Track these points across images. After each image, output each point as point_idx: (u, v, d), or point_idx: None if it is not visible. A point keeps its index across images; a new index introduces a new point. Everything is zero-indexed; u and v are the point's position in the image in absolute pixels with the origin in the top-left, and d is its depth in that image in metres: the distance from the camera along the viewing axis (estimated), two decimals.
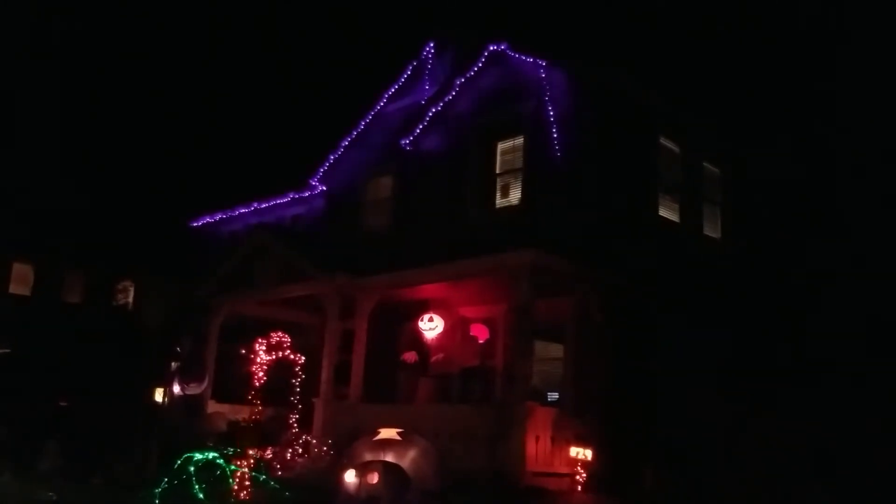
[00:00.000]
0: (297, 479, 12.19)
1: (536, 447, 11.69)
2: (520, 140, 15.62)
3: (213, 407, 16.45)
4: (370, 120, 18.82)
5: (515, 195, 15.54)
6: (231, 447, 11.29)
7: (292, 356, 12.65)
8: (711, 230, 16.14)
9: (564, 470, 11.94)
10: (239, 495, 10.32)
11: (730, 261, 16.03)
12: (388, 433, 10.44)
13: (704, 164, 16.19)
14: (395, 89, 18.46)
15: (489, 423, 11.73)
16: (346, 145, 19.18)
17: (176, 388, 14.61)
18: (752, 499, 11.03)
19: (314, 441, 13.56)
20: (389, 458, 9.98)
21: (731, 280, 15.69)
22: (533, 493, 11.02)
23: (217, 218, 23.45)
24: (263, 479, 10.73)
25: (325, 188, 19.71)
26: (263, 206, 21.74)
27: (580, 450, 11.91)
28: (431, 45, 17.95)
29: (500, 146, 16.12)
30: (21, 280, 31.58)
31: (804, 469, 10.94)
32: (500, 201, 15.88)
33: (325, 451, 13.35)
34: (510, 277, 12.61)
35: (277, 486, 10.66)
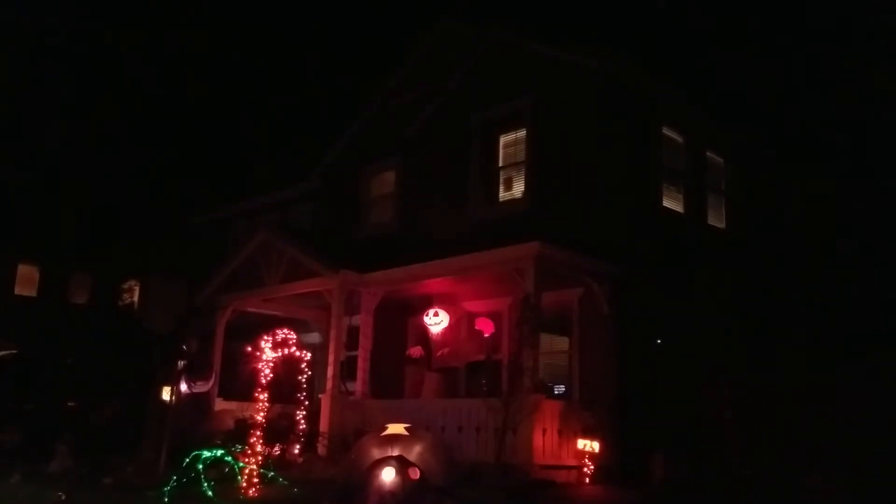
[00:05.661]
0: (305, 475, 12.20)
1: (544, 440, 11.71)
2: (522, 133, 15.60)
3: (220, 405, 16.49)
4: (372, 114, 18.81)
5: (518, 188, 15.53)
6: (239, 444, 11.30)
7: (298, 353, 12.64)
8: (716, 220, 16.10)
9: (572, 462, 11.96)
10: (248, 492, 10.33)
11: (734, 250, 16.00)
12: (395, 428, 10.41)
13: (708, 153, 16.14)
14: (398, 83, 18.43)
15: (496, 417, 11.73)
16: (348, 140, 19.17)
17: (183, 387, 14.61)
18: (761, 487, 11.02)
19: (321, 437, 13.59)
20: (397, 453, 9.96)
21: (736, 269, 15.66)
22: (541, 486, 11.02)
23: (220, 215, 23.50)
24: (272, 476, 10.74)
25: (328, 184, 19.73)
26: (267, 202, 21.77)
27: (587, 442, 11.92)
28: (434, 38, 17.92)
29: (503, 139, 16.11)
30: (27, 281, 31.65)
31: (814, 456, 10.92)
32: (503, 194, 15.87)
33: (332, 448, 13.38)
34: (515, 270, 12.60)
35: (286, 482, 10.67)
